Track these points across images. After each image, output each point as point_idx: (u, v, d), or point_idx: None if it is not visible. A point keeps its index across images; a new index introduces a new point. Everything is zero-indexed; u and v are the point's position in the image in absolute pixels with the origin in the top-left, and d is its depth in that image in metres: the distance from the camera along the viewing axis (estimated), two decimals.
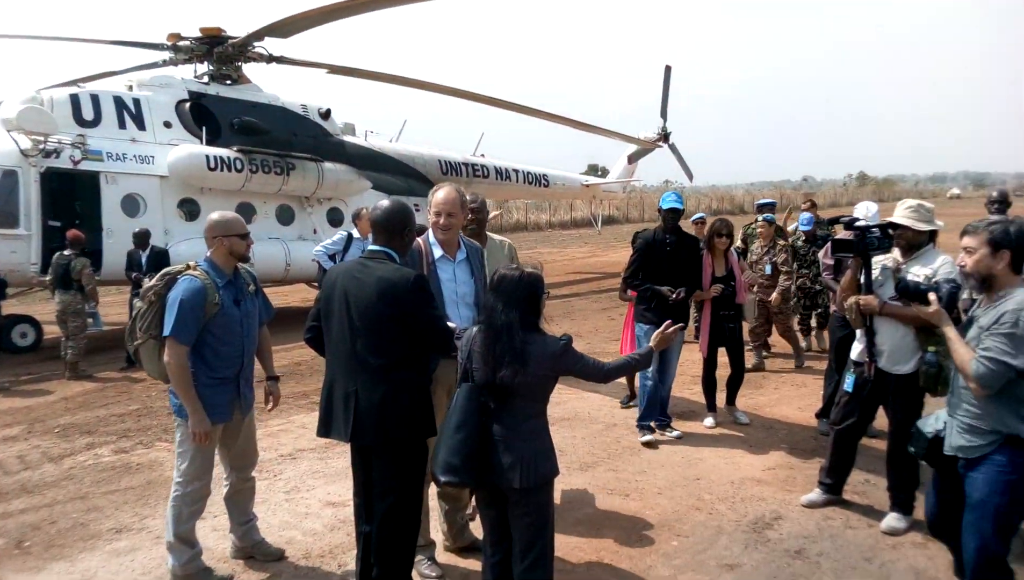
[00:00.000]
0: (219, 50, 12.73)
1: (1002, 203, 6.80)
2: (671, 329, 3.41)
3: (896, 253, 4.37)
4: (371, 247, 3.48)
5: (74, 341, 9.07)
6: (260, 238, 11.94)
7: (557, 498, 4.25)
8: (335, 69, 13.75)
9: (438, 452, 3.03)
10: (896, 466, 4.48)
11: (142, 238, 9.84)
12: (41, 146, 10.19)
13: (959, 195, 69.95)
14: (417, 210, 10.97)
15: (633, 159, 22.91)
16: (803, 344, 9.37)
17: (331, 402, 3.41)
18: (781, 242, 8.43)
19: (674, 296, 5.89)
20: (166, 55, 13.07)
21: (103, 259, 10.61)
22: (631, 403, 7.05)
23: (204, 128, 12.03)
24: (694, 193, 55.98)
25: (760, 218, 8.70)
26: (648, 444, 5.97)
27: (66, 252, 9.22)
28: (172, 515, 3.85)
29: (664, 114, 21.66)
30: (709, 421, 6.54)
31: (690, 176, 23.66)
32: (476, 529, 4.00)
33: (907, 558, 4.11)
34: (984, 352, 3.00)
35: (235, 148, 11.97)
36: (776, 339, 9.03)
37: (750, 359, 8.09)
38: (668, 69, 21.50)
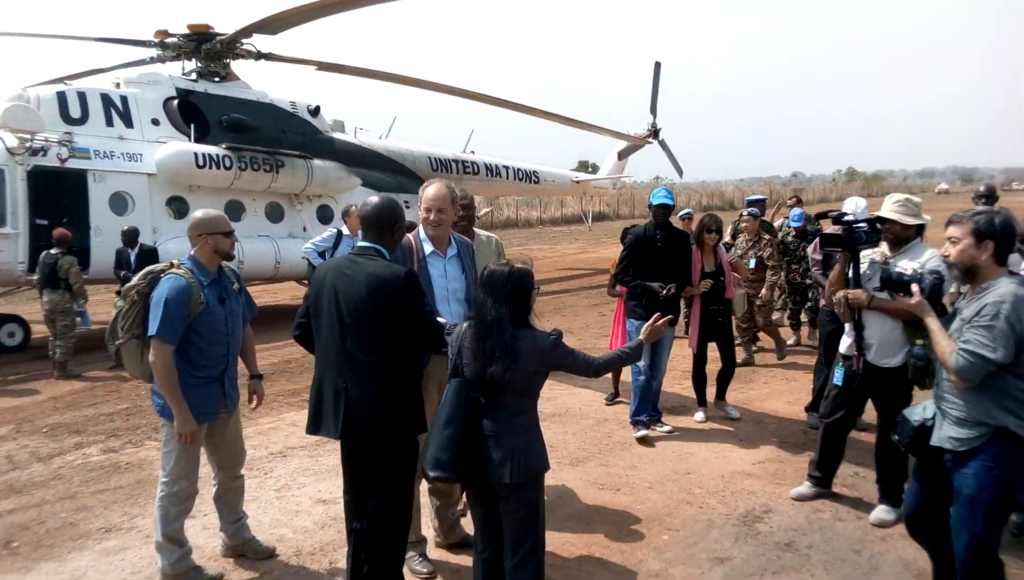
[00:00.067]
0: (207, 47, 12.67)
1: (989, 197, 6.84)
2: (660, 322, 3.42)
3: (884, 247, 4.39)
4: (360, 243, 3.46)
5: (62, 340, 9.01)
6: (250, 236, 11.94)
7: (548, 493, 4.26)
8: (324, 66, 13.70)
9: (427, 448, 3.03)
10: (884, 459, 4.52)
11: (131, 236, 9.79)
12: (28, 144, 10.10)
13: (947, 190, 70.47)
14: (407, 207, 10.96)
15: (623, 155, 22.96)
16: (792, 339, 9.42)
17: (321, 399, 3.39)
18: (767, 237, 8.46)
19: (665, 292, 5.90)
20: (153, 52, 12.99)
21: (91, 257, 10.55)
22: (616, 400, 7.07)
23: (192, 125, 11.96)
24: (684, 189, 56.08)
25: (745, 213, 8.74)
26: (643, 440, 5.98)
27: (53, 251, 9.16)
28: (160, 515, 3.83)
29: (654, 110, 21.71)
30: (699, 416, 6.56)
31: (680, 172, 23.72)
32: (467, 525, 4.01)
33: (896, 550, 4.14)
34: (964, 345, 2.98)
35: (224, 145, 11.91)
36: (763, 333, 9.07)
37: (739, 354, 8.13)
38: (658, 65, 21.55)
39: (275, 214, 12.99)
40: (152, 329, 3.67)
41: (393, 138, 16.32)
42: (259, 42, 12.97)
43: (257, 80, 13.39)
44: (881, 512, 4.49)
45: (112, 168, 11.03)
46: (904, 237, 4.32)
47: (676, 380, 7.52)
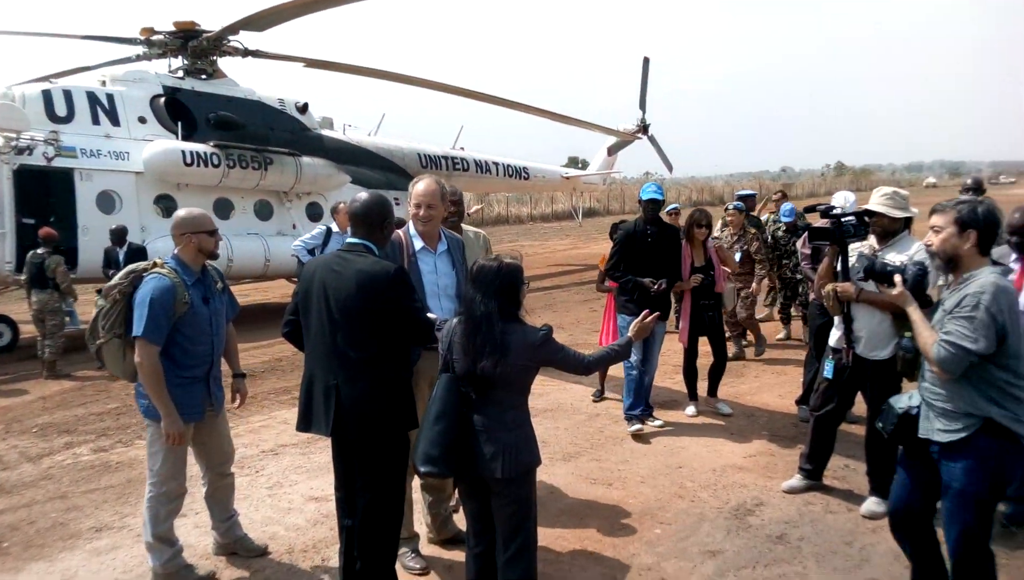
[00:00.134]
0: (193, 44, 12.59)
1: (976, 190, 6.88)
2: (649, 318, 3.42)
3: (872, 240, 4.41)
4: (350, 240, 3.45)
5: (51, 340, 8.96)
6: (239, 234, 11.89)
7: (540, 488, 4.27)
8: (312, 63, 13.64)
9: (418, 443, 3.02)
10: (875, 451, 4.55)
11: (119, 235, 9.75)
12: (13, 143, 10.03)
13: (935, 183, 70.80)
14: (397, 204, 10.92)
15: (613, 151, 22.97)
16: (783, 333, 9.46)
17: (311, 396, 3.38)
18: (753, 230, 8.48)
19: (655, 287, 5.91)
20: (140, 50, 12.90)
21: (79, 257, 10.48)
22: (603, 397, 7.08)
23: (180, 123, 11.90)
24: (674, 184, 56.18)
25: (730, 206, 8.76)
26: (637, 435, 5.99)
27: (39, 250, 9.10)
28: (149, 516, 3.81)
29: (643, 105, 21.72)
30: (691, 410, 6.58)
31: (669, 167, 23.78)
32: (460, 521, 4.01)
33: (886, 541, 4.14)
34: (945, 336, 2.95)
35: (212, 143, 11.84)
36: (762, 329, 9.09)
37: (730, 348, 8.15)
38: (646, 61, 21.57)
39: (264, 212, 12.93)
40: (137, 330, 3.62)
41: (382, 135, 16.28)
42: (246, 39, 12.92)
43: (245, 78, 13.32)
44: (872, 504, 4.51)
45: (99, 166, 10.96)
46: (892, 230, 4.33)
47: (667, 375, 7.54)
